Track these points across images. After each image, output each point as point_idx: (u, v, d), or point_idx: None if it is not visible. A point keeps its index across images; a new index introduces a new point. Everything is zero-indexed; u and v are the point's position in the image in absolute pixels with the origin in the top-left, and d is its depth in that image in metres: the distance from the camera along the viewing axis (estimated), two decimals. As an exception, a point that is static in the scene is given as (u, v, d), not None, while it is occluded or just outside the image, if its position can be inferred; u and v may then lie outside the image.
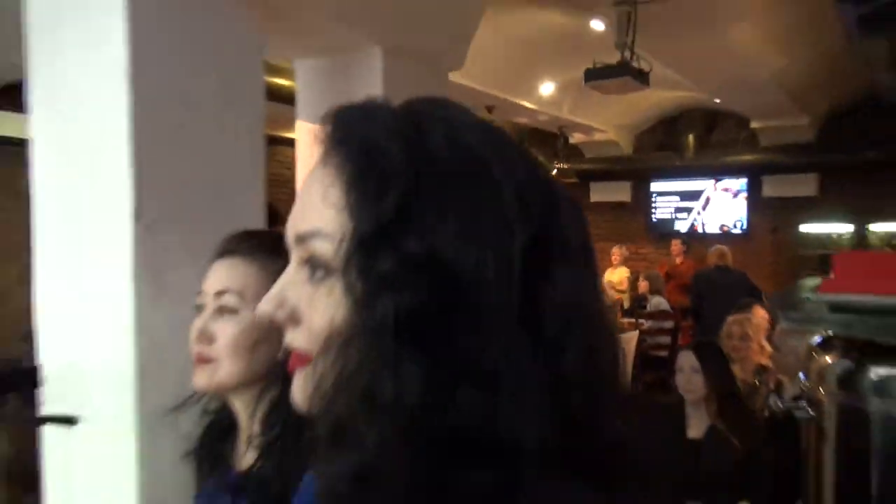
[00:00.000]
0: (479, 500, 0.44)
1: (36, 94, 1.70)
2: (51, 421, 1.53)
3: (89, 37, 1.57)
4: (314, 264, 0.50)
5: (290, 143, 3.57)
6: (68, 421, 1.51)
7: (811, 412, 1.03)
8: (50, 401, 1.59)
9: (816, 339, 1.09)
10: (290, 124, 2.63)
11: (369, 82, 2.14)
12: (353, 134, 0.50)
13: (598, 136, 8.75)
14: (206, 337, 1.01)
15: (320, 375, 0.48)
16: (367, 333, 0.46)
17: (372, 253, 0.46)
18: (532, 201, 0.48)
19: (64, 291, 1.62)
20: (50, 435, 1.61)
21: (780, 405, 1.19)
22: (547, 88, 6.67)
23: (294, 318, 0.51)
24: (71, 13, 1.62)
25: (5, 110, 4.21)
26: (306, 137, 2.29)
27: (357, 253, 0.47)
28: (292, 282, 0.52)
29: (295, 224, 0.52)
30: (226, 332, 1.01)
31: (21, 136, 4.17)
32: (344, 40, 2.11)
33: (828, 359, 1.03)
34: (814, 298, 1.01)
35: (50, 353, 1.61)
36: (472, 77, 5.06)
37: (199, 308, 1.05)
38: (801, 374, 1.12)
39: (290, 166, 2.26)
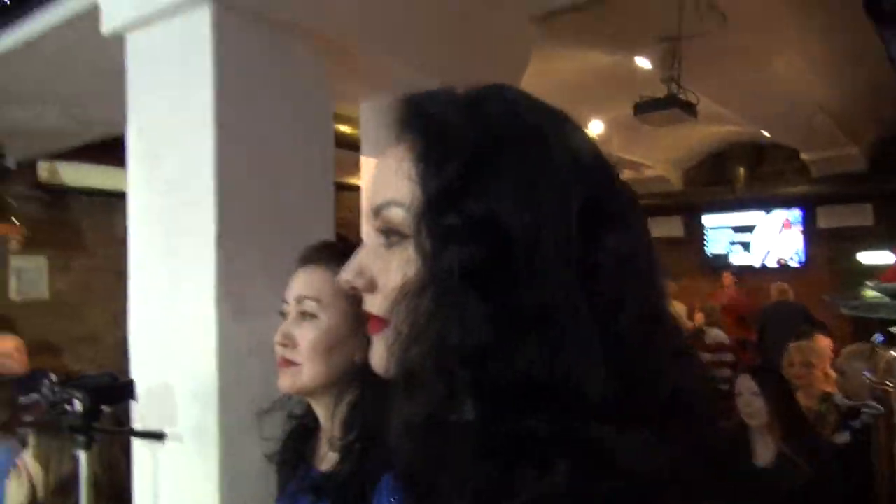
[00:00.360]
0: (540, 447, 0.46)
1: (133, 138, 1.86)
2: (141, 435, 1.63)
3: (181, 87, 1.73)
4: (389, 231, 0.54)
5: (353, 188, 3.73)
6: (157, 436, 1.61)
7: (880, 408, 1.04)
8: (139, 418, 1.70)
9: (878, 337, 1.11)
10: (352, 170, 2.75)
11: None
12: (420, 113, 0.55)
13: (647, 173, 8.74)
14: (289, 341, 1.07)
15: (395, 331, 0.52)
16: (436, 284, 0.50)
17: (438, 214, 0.50)
18: (586, 168, 0.53)
19: (154, 314, 1.74)
20: (139, 450, 1.72)
21: (847, 401, 1.19)
22: (595, 127, 6.74)
23: (371, 285, 0.55)
24: (166, 67, 1.79)
25: (103, 164, 4.47)
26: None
27: (425, 214, 0.51)
28: (369, 251, 0.56)
29: (371, 198, 0.56)
30: (306, 336, 1.06)
31: (116, 189, 4.49)
32: (404, 79, 2.24)
33: (893, 353, 1.05)
34: (875, 287, 1.04)
35: (140, 373, 1.72)
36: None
37: (283, 315, 1.12)
38: (865, 372, 1.13)
39: (354, 210, 2.37)
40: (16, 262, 4.37)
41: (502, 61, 2.53)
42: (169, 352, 1.69)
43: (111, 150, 4.35)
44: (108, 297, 4.42)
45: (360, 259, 0.56)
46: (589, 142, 0.57)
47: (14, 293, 4.36)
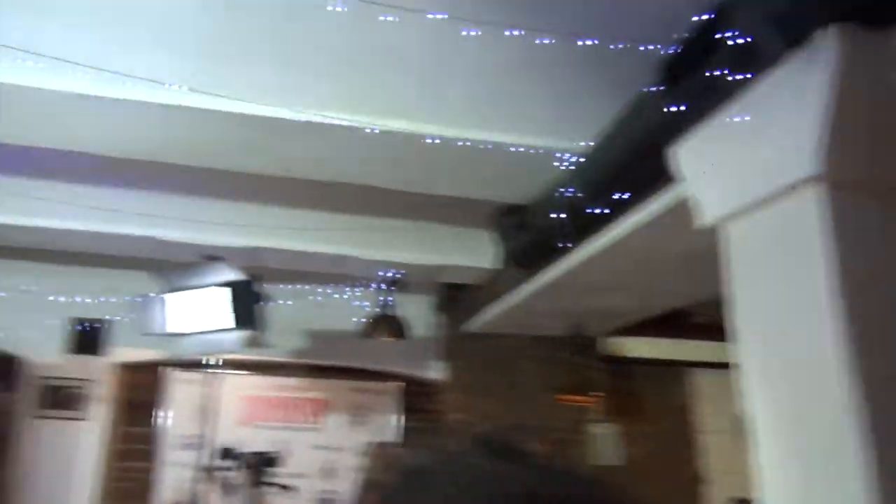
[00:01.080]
0: None
1: (741, 321, 1.90)
2: None
3: (793, 269, 1.73)
4: None
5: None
6: None
7: None
8: None
9: None
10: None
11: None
12: None
13: None
14: None
15: None
16: None
17: None
18: None
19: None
20: None
21: None
22: None
23: None
24: (771, 251, 1.82)
25: (659, 337, 4.91)
26: None
27: None
28: None
29: None
30: None
31: (674, 359, 4.81)
32: None
33: None
34: None
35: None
36: None
37: None
38: None
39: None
40: (594, 429, 4.87)
41: None
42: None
43: (663, 324, 4.72)
44: (676, 465, 4.52)
45: None
46: None
47: (594, 458, 4.82)
